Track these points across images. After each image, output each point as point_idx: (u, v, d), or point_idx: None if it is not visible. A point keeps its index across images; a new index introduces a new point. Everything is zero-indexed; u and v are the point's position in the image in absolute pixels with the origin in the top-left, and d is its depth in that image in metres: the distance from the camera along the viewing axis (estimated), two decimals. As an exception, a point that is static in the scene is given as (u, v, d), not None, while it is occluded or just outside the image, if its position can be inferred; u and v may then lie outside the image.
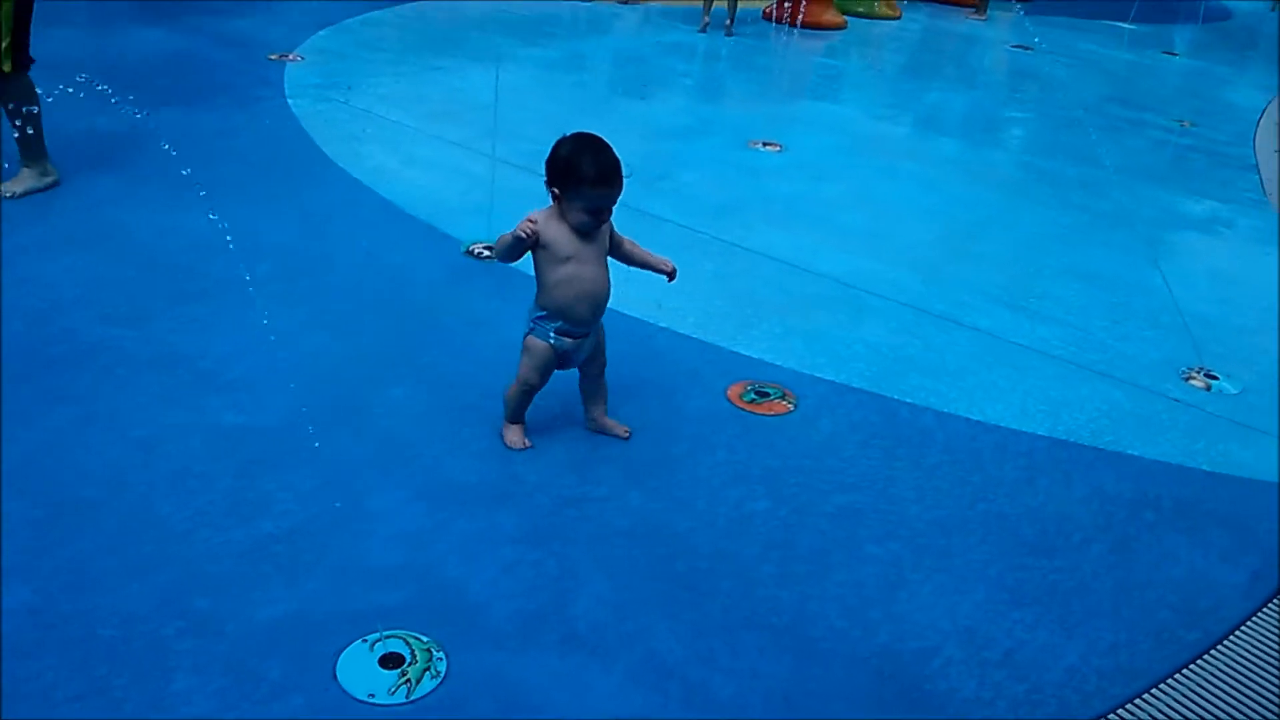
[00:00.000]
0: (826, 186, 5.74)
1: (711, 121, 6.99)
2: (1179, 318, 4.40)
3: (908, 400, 3.62)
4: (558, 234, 2.89)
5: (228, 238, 4.24)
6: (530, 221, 2.86)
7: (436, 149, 5.61)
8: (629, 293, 3.36)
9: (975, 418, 3.56)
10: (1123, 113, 8.51)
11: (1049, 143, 7.46)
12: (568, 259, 2.89)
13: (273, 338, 3.54)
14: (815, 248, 4.84)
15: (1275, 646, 2.67)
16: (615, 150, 2.86)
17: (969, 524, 3.00)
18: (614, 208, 2.90)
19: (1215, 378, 4.03)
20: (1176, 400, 3.84)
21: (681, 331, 3.92)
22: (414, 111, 6.23)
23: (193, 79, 6.53)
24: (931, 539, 2.92)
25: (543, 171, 2.90)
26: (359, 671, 2.28)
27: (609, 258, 3.03)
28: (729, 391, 3.54)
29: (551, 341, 2.97)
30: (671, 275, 3.09)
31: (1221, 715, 2.42)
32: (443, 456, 3.05)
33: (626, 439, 3.19)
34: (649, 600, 2.59)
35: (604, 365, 3.15)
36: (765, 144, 6.37)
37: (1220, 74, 11.36)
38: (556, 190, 2.87)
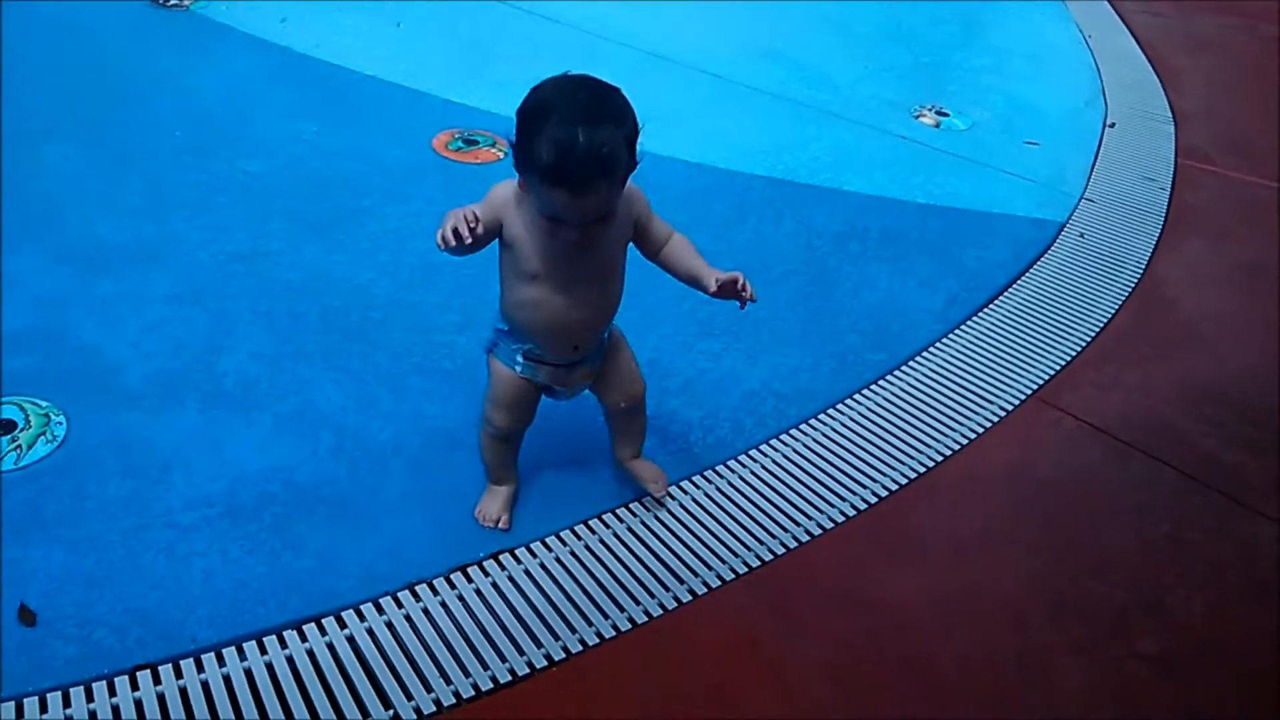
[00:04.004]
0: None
1: None
2: (919, 59, 4.34)
3: (627, 145, 3.47)
4: (526, 232, 1.76)
5: None
6: (472, 215, 1.68)
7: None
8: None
9: (695, 160, 3.44)
10: None
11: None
12: (534, 277, 1.80)
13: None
14: (559, -7, 4.54)
15: (959, 365, 2.72)
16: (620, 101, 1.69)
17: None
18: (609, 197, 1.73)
19: (945, 114, 4.02)
20: (903, 137, 3.81)
21: (391, 80, 3.64)
22: None
23: None
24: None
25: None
26: (-38, 440, 2.08)
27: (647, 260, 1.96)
28: (435, 141, 3.32)
29: (518, 370, 1.97)
30: (721, 293, 1.86)
31: (892, 434, 2.45)
32: (94, 217, 2.77)
33: (659, 496, 2.16)
34: (311, 354, 2.43)
35: (637, 397, 2.09)
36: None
37: None
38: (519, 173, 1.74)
